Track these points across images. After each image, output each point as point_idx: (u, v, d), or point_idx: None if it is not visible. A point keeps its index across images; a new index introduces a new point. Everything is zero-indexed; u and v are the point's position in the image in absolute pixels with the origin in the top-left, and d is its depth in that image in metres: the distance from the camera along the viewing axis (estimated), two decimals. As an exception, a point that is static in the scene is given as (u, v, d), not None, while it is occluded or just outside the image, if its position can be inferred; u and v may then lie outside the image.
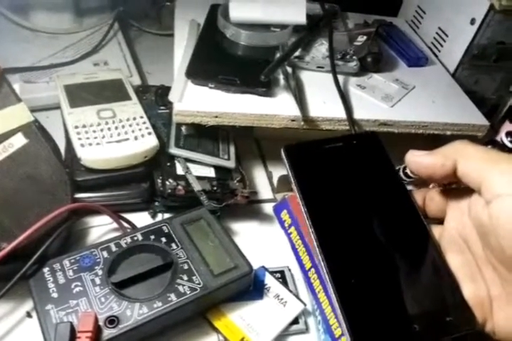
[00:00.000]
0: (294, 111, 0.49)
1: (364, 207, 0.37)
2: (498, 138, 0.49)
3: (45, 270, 0.38)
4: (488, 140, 0.49)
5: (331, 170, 0.39)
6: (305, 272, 0.44)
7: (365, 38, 0.60)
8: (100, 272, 0.38)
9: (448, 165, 0.30)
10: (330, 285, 0.32)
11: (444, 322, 0.30)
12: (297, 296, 0.43)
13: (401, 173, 0.56)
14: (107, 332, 0.35)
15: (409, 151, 0.34)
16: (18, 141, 0.43)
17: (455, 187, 0.35)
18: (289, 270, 0.46)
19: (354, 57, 0.56)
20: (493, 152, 0.29)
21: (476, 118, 0.54)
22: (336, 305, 0.31)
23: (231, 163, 0.50)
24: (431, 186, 0.44)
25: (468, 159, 0.29)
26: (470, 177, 0.29)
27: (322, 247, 0.34)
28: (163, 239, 0.41)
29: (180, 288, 0.38)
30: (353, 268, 0.33)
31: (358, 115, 0.51)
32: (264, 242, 0.49)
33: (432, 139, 0.54)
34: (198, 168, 0.49)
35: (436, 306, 0.31)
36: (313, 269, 0.42)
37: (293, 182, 0.38)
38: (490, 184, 0.28)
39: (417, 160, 0.33)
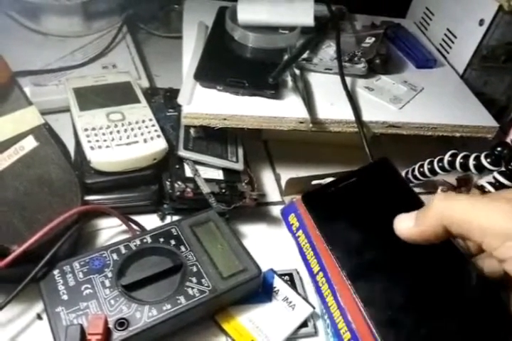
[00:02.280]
0: (302, 113, 0.49)
1: (393, 240, 0.34)
2: (508, 140, 0.48)
3: (55, 272, 0.38)
4: (498, 142, 0.48)
5: (353, 208, 0.38)
6: (313, 276, 0.44)
7: (373, 39, 0.60)
8: (110, 274, 0.39)
9: (440, 233, 0.28)
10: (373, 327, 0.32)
11: None
12: (306, 299, 0.43)
13: (410, 176, 0.56)
14: (117, 335, 0.35)
15: (395, 220, 0.31)
16: (29, 143, 0.43)
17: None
18: (298, 273, 0.46)
19: (362, 59, 0.56)
20: (479, 202, 0.26)
21: (486, 120, 0.54)
22: None
23: (239, 166, 0.50)
24: (440, 188, 0.44)
25: (457, 222, 0.27)
26: (470, 238, 0.27)
27: (359, 294, 0.34)
28: (172, 242, 0.41)
29: (190, 291, 0.38)
30: (392, 307, 0.33)
31: (366, 117, 0.51)
32: (273, 245, 0.49)
33: (442, 140, 0.54)
34: (207, 171, 0.49)
35: None
36: (321, 273, 0.42)
37: (318, 230, 0.38)
38: (491, 248, 0.26)
39: (404, 233, 0.30)
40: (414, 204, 0.36)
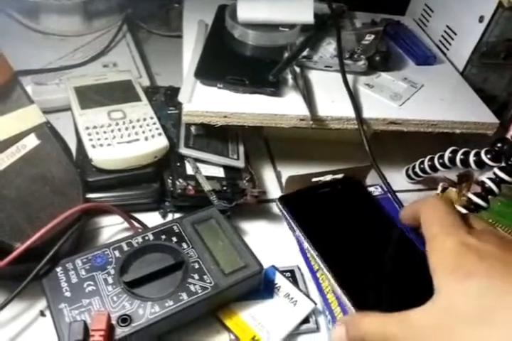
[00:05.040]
0: (302, 110, 0.49)
1: (361, 236, 0.43)
2: (508, 136, 0.48)
3: (58, 269, 0.39)
4: (498, 138, 0.48)
5: (323, 210, 0.46)
6: (313, 273, 0.44)
7: (372, 36, 0.60)
8: (112, 271, 0.39)
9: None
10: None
11: None
12: (308, 295, 0.43)
13: (410, 172, 0.57)
14: (120, 331, 0.35)
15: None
16: (31, 141, 0.43)
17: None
18: (299, 269, 0.46)
19: (362, 56, 0.56)
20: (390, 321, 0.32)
21: (486, 116, 0.54)
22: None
23: (240, 163, 0.50)
24: (440, 184, 0.45)
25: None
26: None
27: (337, 279, 0.39)
28: (174, 239, 0.41)
29: (192, 287, 0.38)
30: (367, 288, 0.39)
31: (366, 114, 0.51)
32: (274, 241, 0.49)
33: (443, 137, 0.54)
34: (208, 168, 0.49)
35: None
36: (321, 270, 0.42)
37: (293, 225, 0.44)
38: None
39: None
40: (375, 212, 0.46)
